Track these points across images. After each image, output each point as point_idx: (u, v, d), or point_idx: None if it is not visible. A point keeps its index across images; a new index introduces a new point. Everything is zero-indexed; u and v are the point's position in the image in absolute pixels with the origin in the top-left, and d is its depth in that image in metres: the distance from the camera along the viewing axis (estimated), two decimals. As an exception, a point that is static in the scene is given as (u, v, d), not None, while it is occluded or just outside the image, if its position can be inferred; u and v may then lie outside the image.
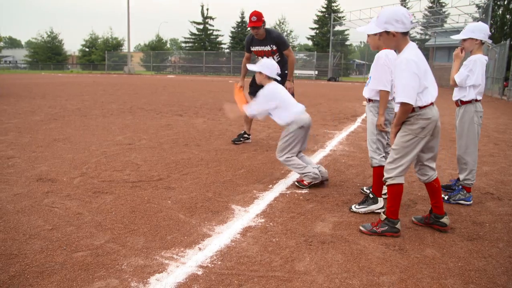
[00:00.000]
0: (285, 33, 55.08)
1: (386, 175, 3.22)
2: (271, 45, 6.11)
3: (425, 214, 3.54)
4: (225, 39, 69.73)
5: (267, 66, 4.49)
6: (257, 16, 5.91)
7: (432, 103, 3.09)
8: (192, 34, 57.14)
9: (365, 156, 4.34)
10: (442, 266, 2.78)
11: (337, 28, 43.69)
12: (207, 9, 56.15)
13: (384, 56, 3.63)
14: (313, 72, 41.72)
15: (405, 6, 36.06)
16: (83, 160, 5.31)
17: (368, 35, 3.50)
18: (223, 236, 3.15)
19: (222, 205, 3.78)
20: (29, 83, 23.42)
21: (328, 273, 2.63)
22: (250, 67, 4.79)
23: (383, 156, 3.76)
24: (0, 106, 11.39)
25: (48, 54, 65.24)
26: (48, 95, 14.89)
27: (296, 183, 4.44)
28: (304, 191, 4.24)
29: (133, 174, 4.72)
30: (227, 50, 55.28)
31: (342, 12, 48.76)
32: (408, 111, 3.05)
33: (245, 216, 3.54)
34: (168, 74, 44.30)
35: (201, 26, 56.36)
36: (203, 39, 56.08)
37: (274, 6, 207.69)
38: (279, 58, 6.19)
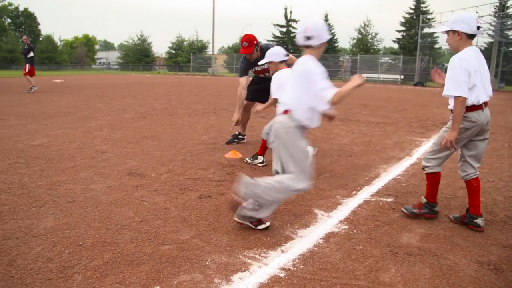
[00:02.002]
0: (369, 36, 53.72)
1: (424, 163, 3.54)
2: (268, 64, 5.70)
3: (462, 213, 3.62)
4: (309, 42, 69.44)
5: (274, 53, 4.80)
6: (248, 42, 5.82)
7: (481, 107, 3.23)
8: (275, 36, 57.56)
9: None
10: (544, 289, 2.56)
11: (426, 30, 41.84)
12: (291, 12, 56.29)
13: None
14: (399, 77, 40.26)
15: (504, 9, 33.66)
16: (170, 158, 5.54)
17: (448, 36, 3.39)
18: (305, 240, 3.13)
19: (305, 209, 3.76)
20: (120, 83, 24.90)
21: (414, 287, 2.52)
22: (260, 62, 5.09)
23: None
24: (96, 104, 12.22)
25: (137, 56, 69.25)
26: (137, 94, 15.73)
27: None
28: (390, 199, 4.10)
29: (217, 173, 4.84)
30: (310, 53, 54.98)
31: (431, 13, 46.68)
32: (463, 103, 3.15)
33: (328, 222, 3.50)
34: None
35: (284, 29, 56.64)
36: (286, 42, 56.23)
37: (358, 8, 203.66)
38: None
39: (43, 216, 3.45)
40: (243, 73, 6.23)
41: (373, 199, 4.10)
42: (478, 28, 3.24)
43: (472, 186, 3.40)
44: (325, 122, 8.79)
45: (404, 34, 48.95)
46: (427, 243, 3.13)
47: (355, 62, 43.57)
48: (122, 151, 5.88)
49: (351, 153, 6.13)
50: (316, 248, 2.99)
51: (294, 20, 56.16)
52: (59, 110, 10.58)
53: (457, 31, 3.26)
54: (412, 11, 48.68)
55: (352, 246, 3.05)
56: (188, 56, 61.24)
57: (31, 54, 16.52)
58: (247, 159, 5.39)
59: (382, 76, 40.99)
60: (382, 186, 4.49)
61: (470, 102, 3.19)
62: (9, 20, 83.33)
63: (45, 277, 2.52)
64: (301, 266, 2.72)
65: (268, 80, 5.54)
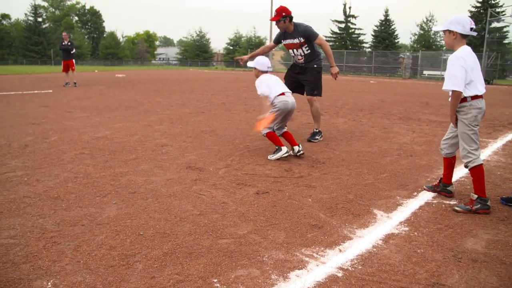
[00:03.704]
0: (432, 32, 51.73)
1: (464, 161, 3.78)
2: (299, 38, 6.44)
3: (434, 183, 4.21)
4: (367, 38, 67.96)
5: (260, 63, 5.70)
6: (277, 11, 6.34)
7: (481, 96, 3.70)
8: (333, 33, 56.74)
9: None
10: None
11: (494, 25, 39.67)
12: (350, 8, 55.31)
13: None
14: (463, 74, 38.55)
15: None
16: (227, 152, 5.60)
17: (444, 34, 3.82)
18: (364, 240, 3.06)
19: (364, 209, 3.68)
20: (179, 78, 25.49)
21: (481, 295, 2.39)
22: (249, 63, 5.92)
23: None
24: (156, 98, 12.57)
25: (196, 51, 70.76)
26: (196, 89, 16.03)
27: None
28: (453, 202, 3.93)
29: (274, 169, 4.83)
30: (369, 49, 53.78)
31: (501, 6, 44.13)
32: (459, 97, 3.64)
33: (388, 223, 3.40)
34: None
35: (342, 25, 55.71)
36: (345, 38, 55.36)
37: (421, 2, 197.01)
38: (309, 50, 6.54)
39: (106, 206, 3.58)
40: (275, 39, 6.85)
41: (435, 201, 3.94)
42: (472, 29, 3.68)
43: (450, 162, 4.09)
44: (384, 121, 8.59)
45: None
46: (494, 250, 2.97)
47: (416, 58, 42.05)
48: (181, 145, 6.01)
49: (411, 152, 5.92)
50: (375, 249, 2.92)
51: (353, 16, 55.04)
52: (121, 104, 10.98)
53: (453, 31, 3.68)
54: (479, 5, 46.31)
55: (412, 248, 2.94)
56: (245, 52, 61.55)
57: (74, 50, 17.33)
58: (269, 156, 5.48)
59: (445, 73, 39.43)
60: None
61: (472, 93, 3.65)
62: (76, 18, 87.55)
63: (108, 263, 2.61)
64: (360, 267, 2.65)
65: (305, 70, 6.68)
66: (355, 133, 7.31)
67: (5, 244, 2.86)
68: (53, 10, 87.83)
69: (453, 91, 3.63)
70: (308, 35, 6.39)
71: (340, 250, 2.88)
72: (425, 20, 51.83)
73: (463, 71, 3.57)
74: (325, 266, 2.65)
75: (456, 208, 3.71)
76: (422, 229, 3.28)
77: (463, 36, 3.69)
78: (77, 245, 2.85)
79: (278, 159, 5.26)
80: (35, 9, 69.84)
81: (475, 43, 43.51)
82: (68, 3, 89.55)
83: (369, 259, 2.76)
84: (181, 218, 3.37)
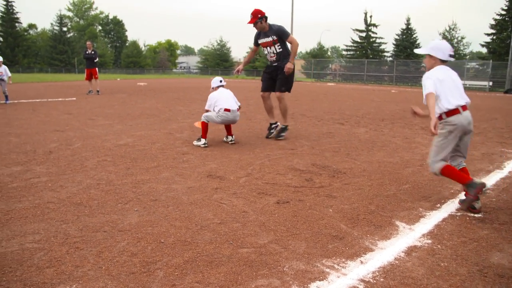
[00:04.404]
0: (455, 40, 51.14)
1: (431, 169, 4.01)
2: (273, 36, 7.19)
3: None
4: (389, 47, 67.53)
5: (214, 81, 6.96)
6: (253, 14, 7.11)
7: (458, 111, 3.85)
8: (354, 41, 56.55)
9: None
10: None
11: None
12: (371, 16, 54.87)
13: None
14: (487, 83, 37.87)
15: None
16: (248, 161, 5.60)
17: (425, 57, 4.18)
18: (386, 252, 3.02)
19: (386, 220, 3.63)
20: (200, 86, 25.66)
21: (508, 311, 2.33)
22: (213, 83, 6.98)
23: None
24: (177, 107, 12.69)
25: (217, 60, 71.37)
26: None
27: None
28: (478, 214, 3.85)
29: (295, 179, 4.82)
30: (390, 58, 53.39)
31: (527, 14, 43.38)
32: (433, 97, 3.81)
33: (410, 235, 3.34)
34: (328, 82, 44.50)
35: (363, 34, 55.48)
36: (365, 47, 55.10)
37: (443, 9, 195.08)
38: (281, 49, 7.27)
39: (128, 212, 3.62)
40: (254, 42, 7.58)
41: (459, 214, 3.87)
42: (450, 55, 4.04)
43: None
44: (406, 131, 8.49)
45: (494, 37, 45.99)
46: (521, 265, 2.89)
47: (438, 68, 41.51)
48: (202, 153, 6.04)
49: (434, 163, 5.83)
50: (397, 262, 2.87)
51: (374, 25, 54.77)
52: (143, 112, 11.11)
53: (433, 56, 4.04)
54: (504, 12, 45.60)
55: (436, 262, 2.89)
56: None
57: (97, 59, 17.65)
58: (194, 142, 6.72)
59: (468, 82, 38.69)
60: (469, 200, 4.22)
61: (445, 108, 3.86)
62: (99, 27, 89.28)
63: (129, 270, 2.63)
64: (381, 279, 2.62)
65: (277, 69, 7.32)
66: (376, 143, 7.24)
67: (29, 249, 2.91)
68: (78, 20, 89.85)
69: (426, 95, 3.87)
70: (280, 34, 7.16)
71: (362, 262, 2.84)
72: (447, 29, 51.26)
73: (430, 81, 3.90)
74: (346, 277, 2.63)
75: (460, 202, 4.04)
76: (446, 242, 3.22)
77: (442, 61, 4.04)
78: (99, 251, 2.88)
79: (299, 169, 5.24)
80: (61, 19, 71.52)
81: (500, 51, 42.79)
82: (92, 13, 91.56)
83: (391, 272, 2.72)
84: (202, 226, 3.37)
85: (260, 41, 7.41)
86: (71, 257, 2.79)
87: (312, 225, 3.46)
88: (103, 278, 2.53)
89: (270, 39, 7.23)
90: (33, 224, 3.34)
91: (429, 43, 4.16)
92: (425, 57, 4.16)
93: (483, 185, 3.77)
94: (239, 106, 6.84)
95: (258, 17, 7.12)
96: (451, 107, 3.85)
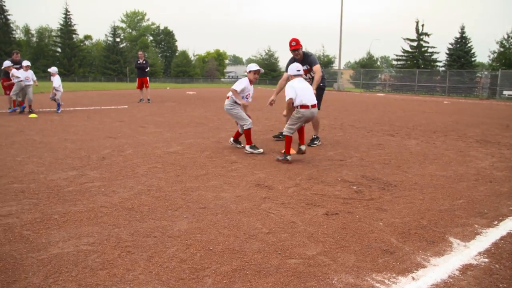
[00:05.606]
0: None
1: (285, 131, 6.22)
2: (307, 65, 7.51)
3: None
4: (441, 57, 65.51)
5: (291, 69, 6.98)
6: (296, 41, 7.42)
7: (307, 107, 6.09)
8: (404, 51, 55.37)
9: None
10: None
11: None
12: (422, 25, 53.52)
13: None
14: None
15: None
16: (296, 172, 5.57)
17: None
18: (439, 269, 2.90)
19: (439, 236, 3.50)
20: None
21: None
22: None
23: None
24: (225, 115, 12.76)
25: (264, 70, 71.55)
26: (264, 108, 16.14)
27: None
28: (539, 233, 3.64)
29: (344, 190, 4.74)
30: (443, 68, 51.78)
31: None
32: (291, 102, 6.15)
33: (465, 252, 3.21)
34: (377, 92, 43.68)
35: (415, 43, 54.19)
36: (417, 57, 53.78)
37: (500, 18, 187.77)
38: (312, 77, 7.60)
39: (177, 219, 3.68)
40: (287, 69, 7.28)
41: (518, 232, 3.68)
42: (298, 70, 6.31)
43: (301, 130, 6.48)
44: (460, 144, 8.19)
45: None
46: None
47: (495, 78, 39.75)
48: (250, 162, 6.07)
49: (491, 178, 5.57)
50: (451, 280, 2.76)
51: (426, 34, 53.42)
52: (192, 120, 11.31)
53: (290, 75, 6.41)
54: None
55: (493, 282, 2.75)
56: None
57: (148, 68, 18.11)
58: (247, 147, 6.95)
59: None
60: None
61: (299, 103, 6.09)
62: (151, 38, 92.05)
63: (179, 276, 2.67)
64: (435, 298, 2.52)
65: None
66: (428, 156, 7.02)
67: (84, 251, 3.01)
68: (130, 30, 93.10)
69: (289, 99, 6.11)
70: (312, 63, 7.51)
71: (413, 278, 2.75)
72: (506, 37, 48.96)
73: (291, 89, 6.11)
74: (398, 294, 2.55)
75: (278, 158, 6.34)
76: (505, 262, 3.06)
77: (295, 75, 6.31)
78: (150, 256, 2.94)
79: (348, 180, 5.16)
80: (114, 30, 74.39)
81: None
82: (144, 24, 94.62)
83: (445, 290, 2.62)
84: (250, 235, 3.38)
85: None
86: (122, 261, 2.87)
87: (362, 238, 3.38)
88: (153, 283, 2.58)
89: (305, 67, 7.45)
90: (87, 227, 3.45)
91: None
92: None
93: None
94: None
95: (300, 45, 7.45)
96: (303, 103, 6.10)
